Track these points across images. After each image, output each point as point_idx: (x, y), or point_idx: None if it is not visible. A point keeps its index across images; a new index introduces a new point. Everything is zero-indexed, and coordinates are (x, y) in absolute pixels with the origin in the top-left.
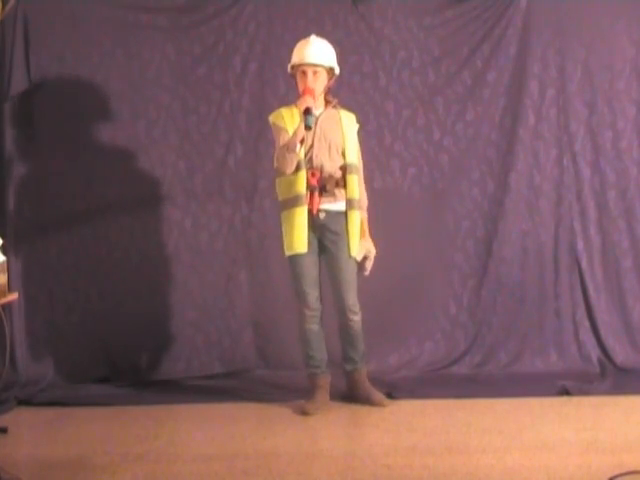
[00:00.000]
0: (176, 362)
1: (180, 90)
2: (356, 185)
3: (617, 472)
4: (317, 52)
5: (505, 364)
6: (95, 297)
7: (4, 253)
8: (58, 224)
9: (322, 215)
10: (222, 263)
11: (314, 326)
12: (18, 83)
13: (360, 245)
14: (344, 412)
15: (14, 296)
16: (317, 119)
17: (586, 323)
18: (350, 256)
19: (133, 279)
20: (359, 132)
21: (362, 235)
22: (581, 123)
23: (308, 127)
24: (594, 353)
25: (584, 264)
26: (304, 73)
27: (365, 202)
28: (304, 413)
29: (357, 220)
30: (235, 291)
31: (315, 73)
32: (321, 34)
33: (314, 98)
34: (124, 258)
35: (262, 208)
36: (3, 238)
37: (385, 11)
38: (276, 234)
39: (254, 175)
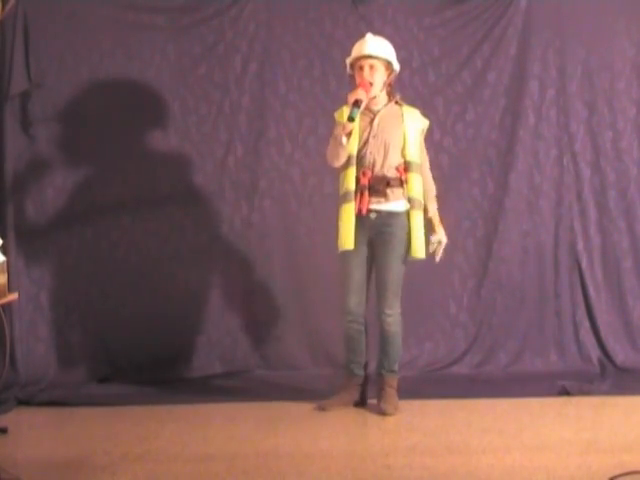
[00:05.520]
0: (176, 362)
1: (180, 90)
2: (417, 184)
3: (617, 472)
4: (373, 45)
5: (505, 364)
6: (95, 297)
7: (4, 253)
8: (58, 224)
9: (373, 215)
10: (222, 262)
11: (351, 331)
12: (18, 83)
13: (434, 238)
14: (344, 412)
15: (14, 296)
16: (375, 116)
17: (586, 323)
18: (400, 258)
19: (133, 279)
20: (429, 127)
21: (433, 229)
22: (581, 123)
23: (351, 119)
24: (594, 353)
25: (584, 264)
26: (361, 68)
27: (433, 192)
28: (320, 409)
29: (419, 220)
30: (235, 291)
31: (372, 67)
32: (321, 34)
33: (368, 92)
34: (124, 258)
35: (262, 208)
36: (3, 238)
37: (385, 11)
38: (276, 234)
39: (254, 175)
